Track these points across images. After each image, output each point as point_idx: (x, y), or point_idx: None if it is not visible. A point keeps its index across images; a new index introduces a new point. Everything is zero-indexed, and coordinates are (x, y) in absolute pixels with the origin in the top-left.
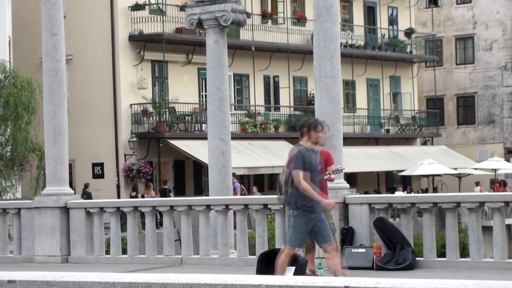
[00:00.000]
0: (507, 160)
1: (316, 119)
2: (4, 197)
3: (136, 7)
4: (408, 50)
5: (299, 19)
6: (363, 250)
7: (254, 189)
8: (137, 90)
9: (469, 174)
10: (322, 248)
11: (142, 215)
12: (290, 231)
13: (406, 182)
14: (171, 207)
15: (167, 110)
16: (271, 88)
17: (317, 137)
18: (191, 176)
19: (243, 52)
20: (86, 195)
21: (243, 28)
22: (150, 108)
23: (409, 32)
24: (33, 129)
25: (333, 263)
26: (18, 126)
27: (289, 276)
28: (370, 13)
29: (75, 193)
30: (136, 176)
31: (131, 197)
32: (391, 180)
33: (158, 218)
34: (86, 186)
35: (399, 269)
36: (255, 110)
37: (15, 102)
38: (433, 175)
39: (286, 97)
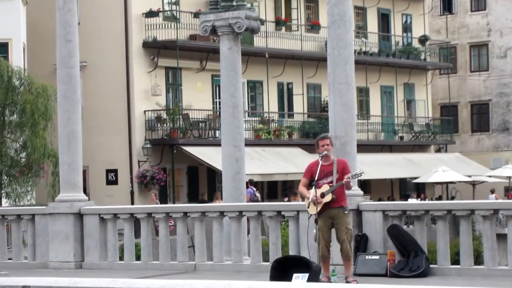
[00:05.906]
0: None
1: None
2: (19, 203)
3: (150, 14)
4: (422, 57)
5: (313, 26)
6: (377, 257)
7: None
8: (151, 96)
9: (483, 182)
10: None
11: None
12: None
13: (420, 189)
14: (185, 213)
15: (180, 116)
16: (285, 95)
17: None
18: (204, 183)
19: (257, 59)
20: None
21: (257, 35)
22: (163, 115)
23: (423, 39)
24: (48, 135)
25: None
26: (36, 133)
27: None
28: (384, 20)
29: (89, 199)
30: (150, 182)
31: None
32: (405, 187)
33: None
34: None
35: (413, 276)
36: (268, 117)
37: (31, 108)
38: (447, 183)
39: (300, 104)
